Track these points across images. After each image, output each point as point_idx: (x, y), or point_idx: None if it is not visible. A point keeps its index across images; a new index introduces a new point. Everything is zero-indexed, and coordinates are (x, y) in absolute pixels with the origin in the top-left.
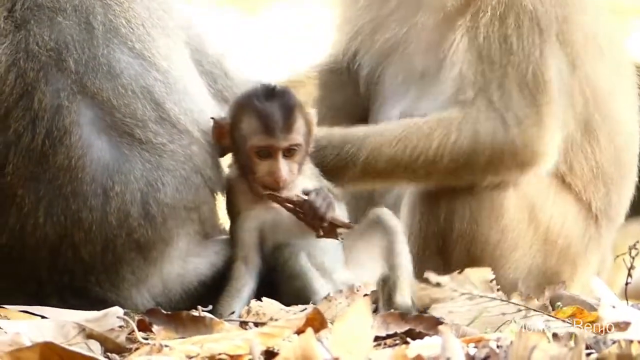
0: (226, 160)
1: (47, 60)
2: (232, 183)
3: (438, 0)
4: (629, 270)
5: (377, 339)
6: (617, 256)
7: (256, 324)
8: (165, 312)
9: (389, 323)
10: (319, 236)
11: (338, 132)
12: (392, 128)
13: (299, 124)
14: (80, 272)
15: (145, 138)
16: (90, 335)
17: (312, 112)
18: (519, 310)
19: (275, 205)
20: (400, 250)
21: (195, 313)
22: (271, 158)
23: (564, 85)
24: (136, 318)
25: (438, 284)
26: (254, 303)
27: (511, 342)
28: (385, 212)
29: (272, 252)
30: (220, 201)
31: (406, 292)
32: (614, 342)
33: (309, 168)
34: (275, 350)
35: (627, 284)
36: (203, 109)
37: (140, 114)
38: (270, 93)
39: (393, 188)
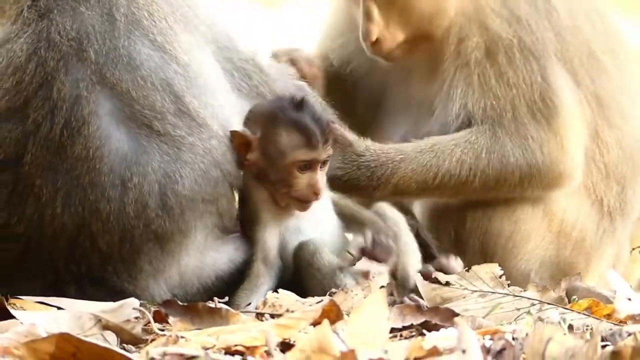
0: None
1: (68, 50)
2: (250, 189)
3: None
4: None
5: (393, 330)
6: (633, 249)
7: (272, 316)
8: (181, 303)
9: (405, 315)
10: None
11: (370, 153)
12: (422, 149)
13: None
14: (97, 262)
15: (164, 130)
16: (106, 327)
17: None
18: (533, 305)
19: (297, 212)
20: (407, 239)
21: (211, 304)
22: (309, 171)
23: (575, 100)
24: (152, 309)
25: (447, 283)
26: (270, 295)
27: (527, 334)
28: (387, 207)
29: (296, 251)
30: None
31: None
32: (629, 335)
33: None
34: (292, 342)
35: None
36: (223, 104)
37: (159, 106)
38: (300, 105)
39: None
